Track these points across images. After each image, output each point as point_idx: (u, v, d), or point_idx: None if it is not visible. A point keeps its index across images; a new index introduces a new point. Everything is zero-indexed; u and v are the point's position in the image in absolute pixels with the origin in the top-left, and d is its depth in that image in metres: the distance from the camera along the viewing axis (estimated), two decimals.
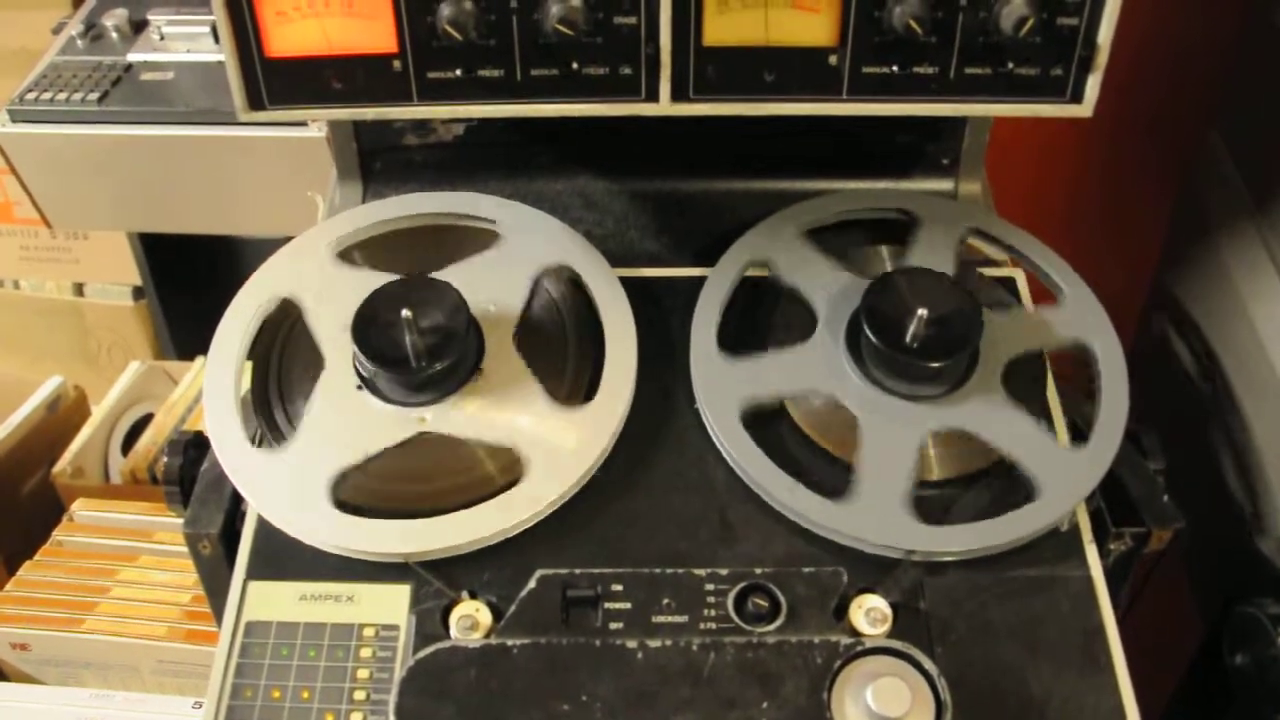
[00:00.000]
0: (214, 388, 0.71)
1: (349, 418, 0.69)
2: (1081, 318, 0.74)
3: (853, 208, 0.80)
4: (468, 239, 0.78)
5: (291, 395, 0.72)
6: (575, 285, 0.76)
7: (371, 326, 0.68)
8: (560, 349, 0.74)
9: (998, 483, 0.69)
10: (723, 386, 0.71)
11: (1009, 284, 0.79)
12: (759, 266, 0.77)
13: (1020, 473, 0.68)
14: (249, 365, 0.74)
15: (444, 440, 0.69)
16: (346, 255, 0.77)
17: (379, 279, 0.72)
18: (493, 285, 0.74)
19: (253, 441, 0.70)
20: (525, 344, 0.72)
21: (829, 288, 0.74)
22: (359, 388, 0.70)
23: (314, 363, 0.72)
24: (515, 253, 0.76)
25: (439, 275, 0.72)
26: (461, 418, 0.69)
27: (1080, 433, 0.71)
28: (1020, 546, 0.66)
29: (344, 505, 0.67)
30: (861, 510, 0.66)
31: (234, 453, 0.69)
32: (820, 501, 0.67)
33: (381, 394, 0.70)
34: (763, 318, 0.76)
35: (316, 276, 0.75)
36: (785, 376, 0.71)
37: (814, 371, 0.71)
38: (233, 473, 0.68)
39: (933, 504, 0.68)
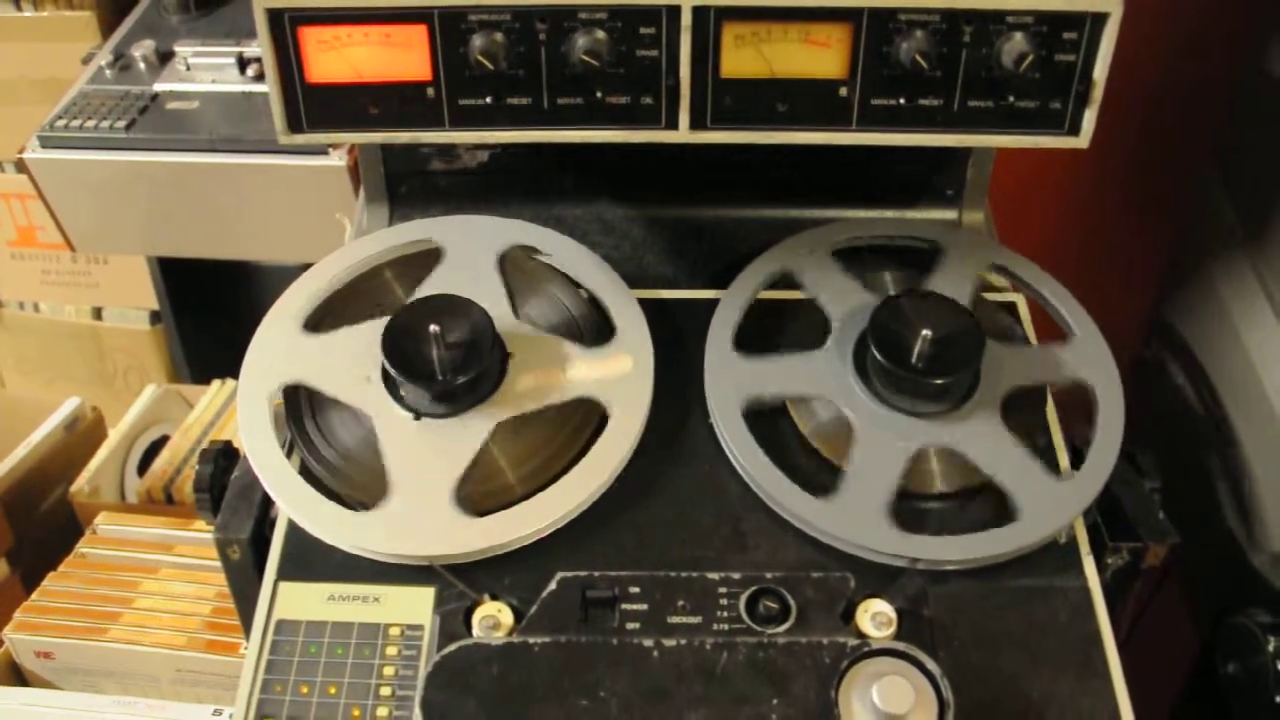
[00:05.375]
0: (247, 402, 0.74)
1: (429, 448, 0.71)
2: (1084, 349, 0.77)
3: (886, 234, 0.83)
4: (420, 266, 0.80)
5: (322, 408, 0.74)
6: (594, 304, 0.79)
7: (415, 361, 0.70)
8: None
9: (1000, 496, 0.71)
10: (731, 382, 0.74)
11: (1010, 308, 0.82)
12: (781, 283, 0.80)
13: (1007, 499, 0.70)
14: None
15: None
16: (314, 324, 0.78)
17: (361, 331, 0.75)
18: (466, 288, 0.76)
19: (284, 449, 0.72)
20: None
21: (846, 304, 0.77)
22: (417, 418, 0.72)
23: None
24: (464, 257, 0.79)
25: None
26: (521, 396, 0.72)
27: (1079, 453, 0.74)
28: (1020, 558, 0.69)
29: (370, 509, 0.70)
30: (850, 516, 0.69)
31: (267, 461, 0.71)
32: (819, 504, 0.69)
33: (443, 412, 0.72)
34: (778, 329, 0.79)
35: (303, 355, 0.76)
36: (788, 377, 0.75)
37: (816, 377, 0.74)
38: (265, 479, 0.71)
39: (935, 516, 0.71)
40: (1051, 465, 0.73)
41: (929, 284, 0.79)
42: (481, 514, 0.69)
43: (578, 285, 0.80)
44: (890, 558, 0.68)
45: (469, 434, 0.71)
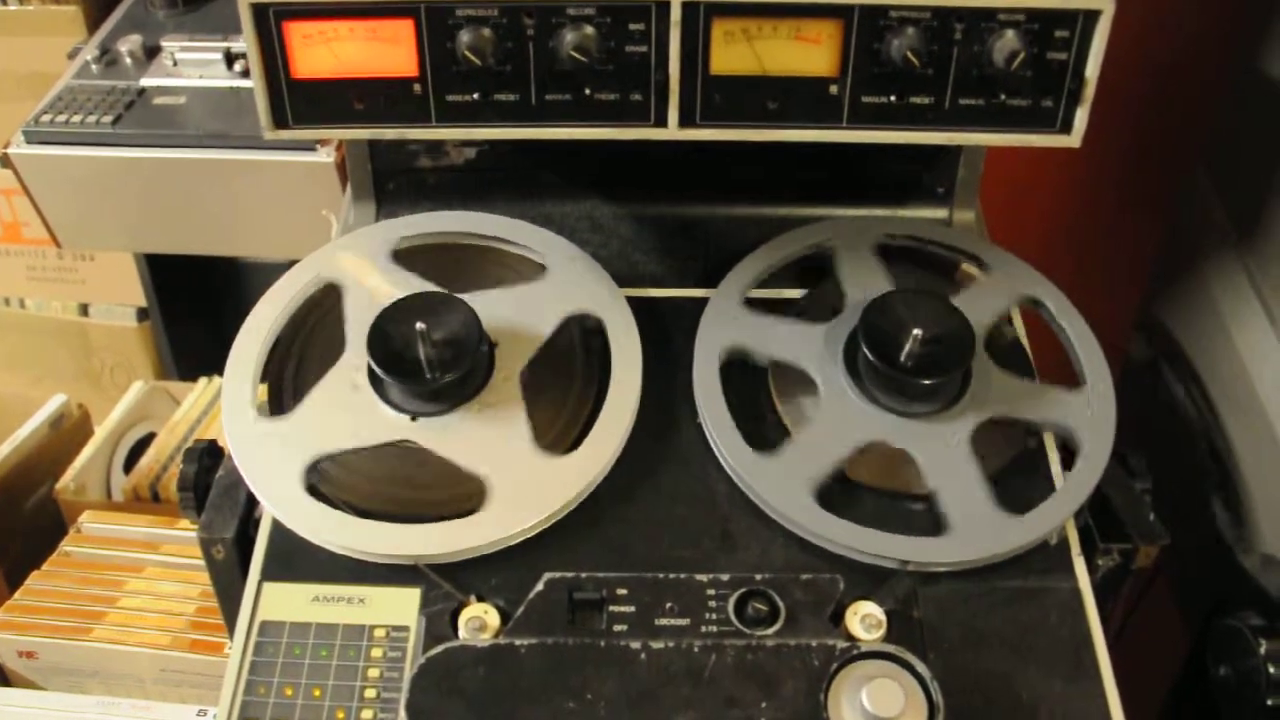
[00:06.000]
0: (232, 396, 0.73)
1: (345, 407, 0.71)
2: (1019, 280, 0.79)
3: (775, 260, 0.81)
4: (513, 267, 0.80)
5: (304, 385, 0.74)
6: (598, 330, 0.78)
7: (389, 328, 0.71)
8: (563, 391, 0.75)
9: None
10: (784, 482, 0.71)
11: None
12: (731, 353, 0.78)
13: (1056, 431, 0.72)
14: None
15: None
16: (399, 257, 0.79)
17: (421, 286, 0.74)
18: (523, 316, 0.75)
19: None
20: (532, 377, 0.74)
21: (804, 345, 0.76)
22: (413, 419, 0.71)
23: (329, 358, 0.74)
24: (555, 291, 0.77)
25: (476, 295, 0.74)
26: (444, 434, 0.71)
27: (1070, 454, 0.74)
28: (1011, 559, 0.69)
29: (356, 509, 0.69)
30: (778, 479, 0.70)
31: (252, 459, 0.71)
32: (756, 458, 0.70)
33: (382, 394, 0.72)
34: (766, 395, 0.77)
35: (369, 268, 0.78)
36: (829, 446, 0.72)
37: (849, 429, 0.72)
38: (249, 478, 0.70)
39: (928, 516, 0.71)
40: (1007, 495, 0.70)
41: (843, 283, 0.79)
42: (468, 513, 0.68)
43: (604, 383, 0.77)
44: (880, 559, 0.68)
45: (371, 427, 0.71)
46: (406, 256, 0.79)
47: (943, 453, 0.71)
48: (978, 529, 0.68)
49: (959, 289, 0.80)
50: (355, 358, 0.73)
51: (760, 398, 0.76)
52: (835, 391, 0.73)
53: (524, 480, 0.69)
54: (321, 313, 0.78)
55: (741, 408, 0.74)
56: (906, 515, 0.71)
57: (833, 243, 0.81)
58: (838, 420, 0.72)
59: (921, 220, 0.85)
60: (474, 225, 0.82)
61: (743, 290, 0.79)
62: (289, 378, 0.76)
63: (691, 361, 0.75)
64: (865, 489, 0.72)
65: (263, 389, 0.75)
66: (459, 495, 0.70)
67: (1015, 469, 0.73)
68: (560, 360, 0.76)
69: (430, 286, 0.75)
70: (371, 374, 0.72)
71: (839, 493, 0.71)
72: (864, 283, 0.78)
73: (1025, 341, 0.80)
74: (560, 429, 0.73)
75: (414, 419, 0.71)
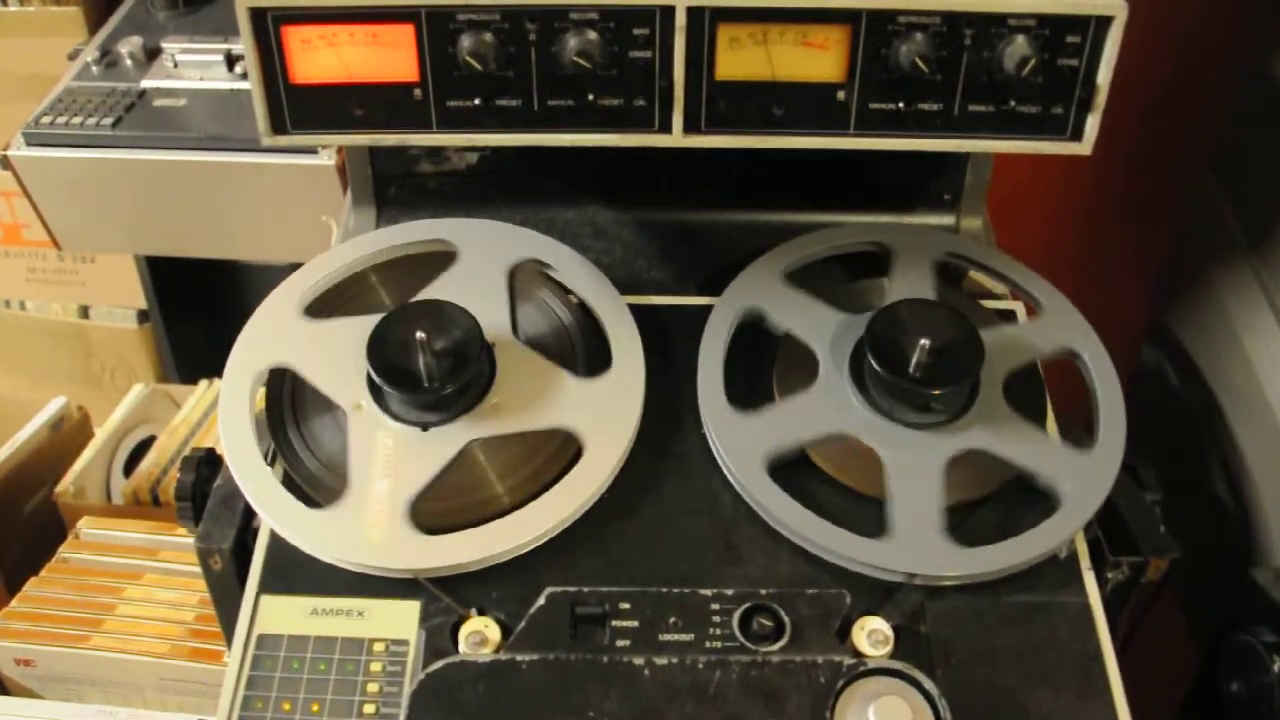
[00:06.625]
0: (229, 407, 0.72)
1: (402, 450, 0.70)
2: (1066, 328, 0.77)
3: (830, 245, 0.81)
4: (427, 267, 0.78)
5: (305, 416, 0.73)
6: (586, 312, 0.77)
7: (389, 336, 0.70)
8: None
9: (998, 509, 0.70)
10: (745, 445, 0.71)
11: (1008, 316, 0.81)
12: (752, 313, 0.78)
13: (1040, 483, 0.70)
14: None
15: (455, 461, 0.70)
16: (315, 310, 0.77)
17: (357, 324, 0.73)
18: (471, 298, 0.74)
19: (266, 459, 0.71)
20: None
21: (822, 329, 0.75)
22: (396, 420, 0.71)
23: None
24: (478, 264, 0.77)
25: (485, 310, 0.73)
26: (502, 414, 0.71)
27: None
28: (1020, 573, 0.68)
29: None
30: (913, 548, 0.67)
31: (249, 471, 0.70)
32: (880, 546, 0.67)
33: (425, 421, 0.70)
34: (766, 362, 0.77)
35: (298, 339, 0.75)
36: (801, 423, 0.72)
37: (827, 414, 0.72)
38: (247, 489, 0.69)
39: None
40: (1015, 505, 0.70)
41: (889, 286, 0.78)
42: (468, 525, 0.68)
43: (567, 291, 0.78)
44: (886, 572, 0.67)
45: (439, 447, 0.70)
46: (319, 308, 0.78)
47: (912, 464, 0.70)
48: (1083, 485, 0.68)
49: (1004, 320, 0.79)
50: (363, 409, 0.72)
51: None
52: (830, 376, 0.73)
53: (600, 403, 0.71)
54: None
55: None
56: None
57: (751, 303, 0.78)
58: (908, 465, 0.70)
59: (873, 225, 0.84)
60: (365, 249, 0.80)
61: (728, 339, 0.77)
62: (288, 381, 0.75)
63: (694, 371, 0.74)
64: (871, 501, 0.70)
65: (261, 392, 0.74)
66: (459, 507, 0.69)
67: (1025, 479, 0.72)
68: (555, 345, 0.75)
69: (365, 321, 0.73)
70: (399, 413, 0.71)
71: (844, 505, 0.70)
72: (807, 320, 0.76)
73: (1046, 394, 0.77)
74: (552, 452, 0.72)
75: (424, 429, 0.70)
